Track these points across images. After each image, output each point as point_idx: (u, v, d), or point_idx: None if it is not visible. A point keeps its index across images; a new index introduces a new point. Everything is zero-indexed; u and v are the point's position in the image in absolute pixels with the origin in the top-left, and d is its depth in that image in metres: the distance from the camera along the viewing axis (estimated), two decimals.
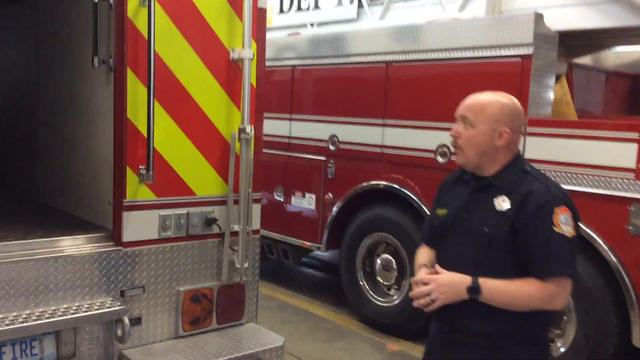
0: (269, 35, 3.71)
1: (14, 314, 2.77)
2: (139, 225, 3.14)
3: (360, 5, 6.79)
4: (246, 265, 3.42)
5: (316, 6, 7.32)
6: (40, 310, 2.84)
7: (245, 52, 3.32)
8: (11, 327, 2.66)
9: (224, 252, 3.41)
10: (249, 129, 3.33)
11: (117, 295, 3.09)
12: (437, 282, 2.21)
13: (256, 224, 3.55)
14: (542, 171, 2.30)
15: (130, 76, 3.03)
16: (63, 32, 3.84)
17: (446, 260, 2.30)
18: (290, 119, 6.42)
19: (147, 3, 2.96)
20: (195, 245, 3.35)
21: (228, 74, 3.36)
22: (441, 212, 2.41)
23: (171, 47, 3.14)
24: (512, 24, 4.60)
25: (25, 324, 2.70)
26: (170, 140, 3.19)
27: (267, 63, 3.72)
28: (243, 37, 3.32)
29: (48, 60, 4.08)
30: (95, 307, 2.96)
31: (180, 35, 3.17)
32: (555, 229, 2.04)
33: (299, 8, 7.50)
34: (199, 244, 3.37)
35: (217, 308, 3.45)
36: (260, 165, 3.56)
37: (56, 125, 4.01)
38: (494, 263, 2.17)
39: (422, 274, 2.32)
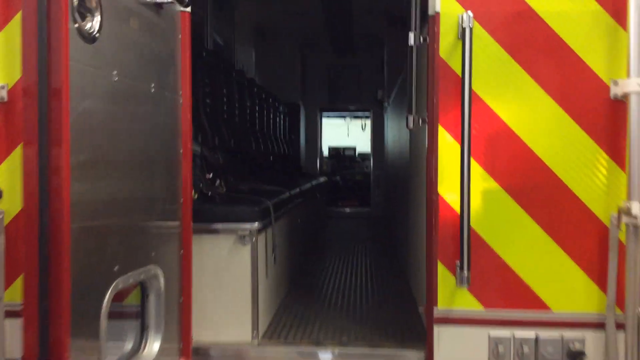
0: None
1: None
2: (458, 348, 2.18)
3: None
4: None
5: None
6: None
7: (632, 83, 2.05)
8: None
9: None
10: (638, 207, 2.01)
11: None
12: None
13: None
14: None
15: (442, 134, 2.18)
16: None
17: None
18: None
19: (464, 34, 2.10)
20: None
21: (608, 120, 2.14)
22: None
23: (504, 89, 2.17)
24: None
25: None
26: (503, 224, 2.16)
27: None
28: (628, 63, 2.07)
29: None
30: None
31: (522, 70, 2.17)
32: None
33: None
34: None
35: None
36: None
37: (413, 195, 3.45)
38: None
39: None
